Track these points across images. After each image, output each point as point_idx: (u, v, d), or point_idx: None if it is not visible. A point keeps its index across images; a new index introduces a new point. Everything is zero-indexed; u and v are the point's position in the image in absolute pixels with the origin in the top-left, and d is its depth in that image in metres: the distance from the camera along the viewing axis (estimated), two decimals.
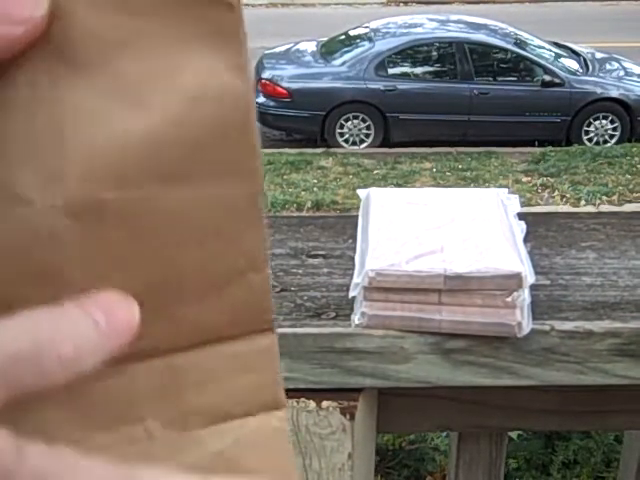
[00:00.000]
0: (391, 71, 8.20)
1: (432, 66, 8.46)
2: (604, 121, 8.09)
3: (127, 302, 0.26)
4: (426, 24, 8.84)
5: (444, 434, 2.12)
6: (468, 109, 8.07)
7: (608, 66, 8.56)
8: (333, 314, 0.79)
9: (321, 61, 8.48)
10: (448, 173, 7.25)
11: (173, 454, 0.31)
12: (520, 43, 8.49)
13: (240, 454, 0.32)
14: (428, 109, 8.01)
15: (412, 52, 8.41)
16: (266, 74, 8.24)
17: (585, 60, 8.60)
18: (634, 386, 0.79)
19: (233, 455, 0.32)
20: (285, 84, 8.14)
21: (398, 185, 6.65)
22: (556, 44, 8.92)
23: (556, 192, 6.66)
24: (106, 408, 0.28)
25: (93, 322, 0.24)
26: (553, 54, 8.56)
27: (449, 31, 8.69)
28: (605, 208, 6.07)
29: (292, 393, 0.77)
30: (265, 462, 0.33)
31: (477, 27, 8.74)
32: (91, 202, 0.26)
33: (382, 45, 8.29)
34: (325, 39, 8.93)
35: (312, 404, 0.77)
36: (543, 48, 8.63)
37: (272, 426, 0.33)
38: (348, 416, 0.77)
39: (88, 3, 0.26)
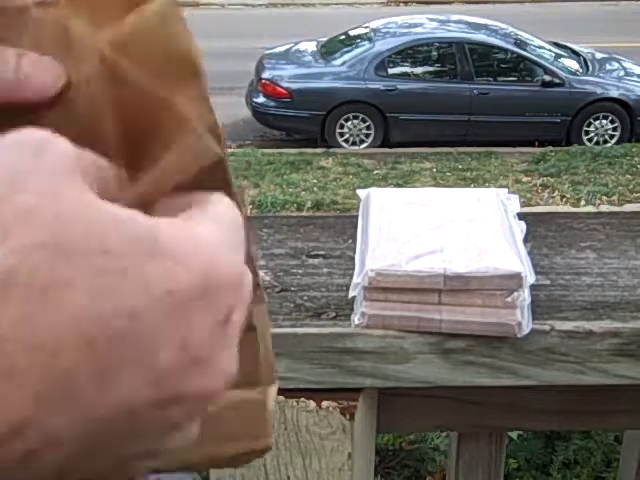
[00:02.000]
0: (391, 71, 8.20)
1: (432, 66, 8.45)
2: (604, 121, 8.09)
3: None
4: (426, 24, 8.84)
5: (444, 434, 2.12)
6: (468, 109, 8.06)
7: (608, 66, 8.56)
8: (333, 314, 0.79)
9: (321, 61, 8.48)
10: (448, 173, 7.25)
11: None
12: (520, 43, 8.48)
13: (224, 418, 0.38)
14: (428, 109, 8.01)
15: (412, 52, 8.40)
16: (266, 74, 8.24)
17: (585, 60, 8.60)
18: (634, 386, 0.79)
19: (219, 417, 0.37)
20: (285, 84, 8.14)
21: (398, 185, 6.65)
22: (556, 44, 8.92)
23: (556, 192, 6.66)
24: None
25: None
26: (553, 54, 8.56)
27: (449, 31, 8.68)
28: (605, 208, 6.06)
29: (292, 393, 0.77)
30: (243, 427, 0.40)
31: (477, 27, 8.74)
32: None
33: (382, 45, 8.29)
34: (325, 39, 8.93)
35: (312, 404, 0.77)
36: (543, 48, 8.63)
37: (252, 398, 0.40)
38: (348, 416, 0.77)
39: None
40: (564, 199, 6.52)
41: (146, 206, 0.30)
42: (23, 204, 0.24)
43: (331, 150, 7.89)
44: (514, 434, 2.08)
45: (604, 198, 6.46)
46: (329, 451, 0.79)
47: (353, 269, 0.79)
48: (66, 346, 0.24)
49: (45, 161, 0.26)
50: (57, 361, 0.23)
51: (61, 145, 0.27)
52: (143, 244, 0.25)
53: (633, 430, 1.00)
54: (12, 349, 0.23)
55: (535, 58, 8.30)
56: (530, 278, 0.75)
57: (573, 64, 8.48)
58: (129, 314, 0.25)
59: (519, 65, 8.37)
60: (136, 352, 0.25)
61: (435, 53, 8.49)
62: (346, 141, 8.08)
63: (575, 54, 8.79)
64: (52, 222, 0.24)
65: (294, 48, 8.83)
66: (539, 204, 6.35)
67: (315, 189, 6.79)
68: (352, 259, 0.82)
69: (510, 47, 8.38)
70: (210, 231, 0.28)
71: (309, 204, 6.37)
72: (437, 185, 6.68)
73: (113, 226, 0.25)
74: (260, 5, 14.93)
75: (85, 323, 0.24)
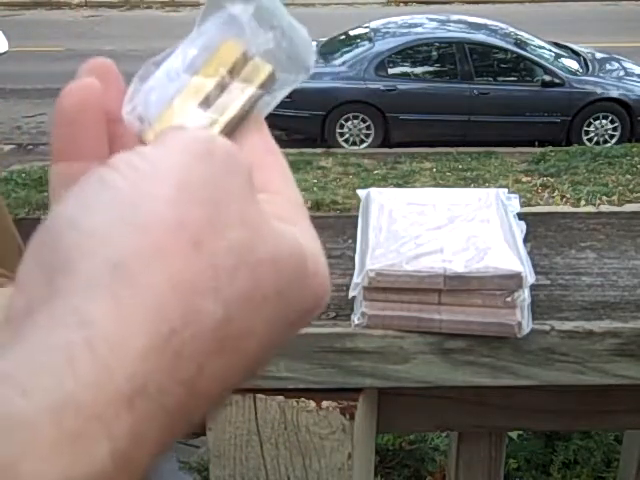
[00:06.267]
0: (391, 71, 8.19)
1: (432, 66, 8.45)
2: (604, 121, 8.08)
3: None
4: (426, 24, 8.84)
5: (444, 434, 2.12)
6: (468, 109, 8.06)
7: (608, 66, 8.55)
8: (333, 314, 0.79)
9: (321, 61, 8.47)
10: (448, 173, 7.25)
11: None
12: (520, 43, 8.48)
13: None
14: (428, 109, 8.01)
15: (412, 52, 8.40)
16: None
17: (585, 60, 8.59)
18: (634, 386, 0.79)
19: None
20: None
21: (398, 185, 6.65)
22: (556, 44, 8.91)
23: (556, 192, 6.66)
24: None
25: None
26: (553, 54, 8.56)
27: (449, 31, 8.68)
28: (605, 208, 6.06)
29: (292, 393, 0.77)
30: None
31: (477, 27, 8.73)
32: None
33: (382, 45, 8.28)
34: (325, 39, 8.93)
35: (312, 404, 0.77)
36: (543, 48, 8.63)
37: None
38: (348, 416, 0.77)
39: None
40: (564, 199, 6.52)
41: None
42: (235, 240, 0.26)
43: (331, 150, 7.89)
44: (514, 434, 2.08)
45: (604, 198, 6.45)
46: (329, 451, 0.79)
47: (353, 269, 0.79)
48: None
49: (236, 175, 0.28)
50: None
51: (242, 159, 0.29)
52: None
53: (633, 430, 1.00)
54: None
55: (535, 58, 8.30)
56: (530, 278, 0.75)
57: (573, 64, 8.47)
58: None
59: (519, 65, 8.37)
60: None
61: (435, 53, 8.49)
62: (346, 141, 8.07)
63: (575, 54, 8.78)
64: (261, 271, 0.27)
65: None
66: (539, 204, 6.35)
67: (315, 189, 6.79)
68: (352, 259, 0.82)
69: (510, 47, 8.37)
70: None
71: (309, 204, 6.37)
72: (437, 185, 6.67)
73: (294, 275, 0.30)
74: None
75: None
